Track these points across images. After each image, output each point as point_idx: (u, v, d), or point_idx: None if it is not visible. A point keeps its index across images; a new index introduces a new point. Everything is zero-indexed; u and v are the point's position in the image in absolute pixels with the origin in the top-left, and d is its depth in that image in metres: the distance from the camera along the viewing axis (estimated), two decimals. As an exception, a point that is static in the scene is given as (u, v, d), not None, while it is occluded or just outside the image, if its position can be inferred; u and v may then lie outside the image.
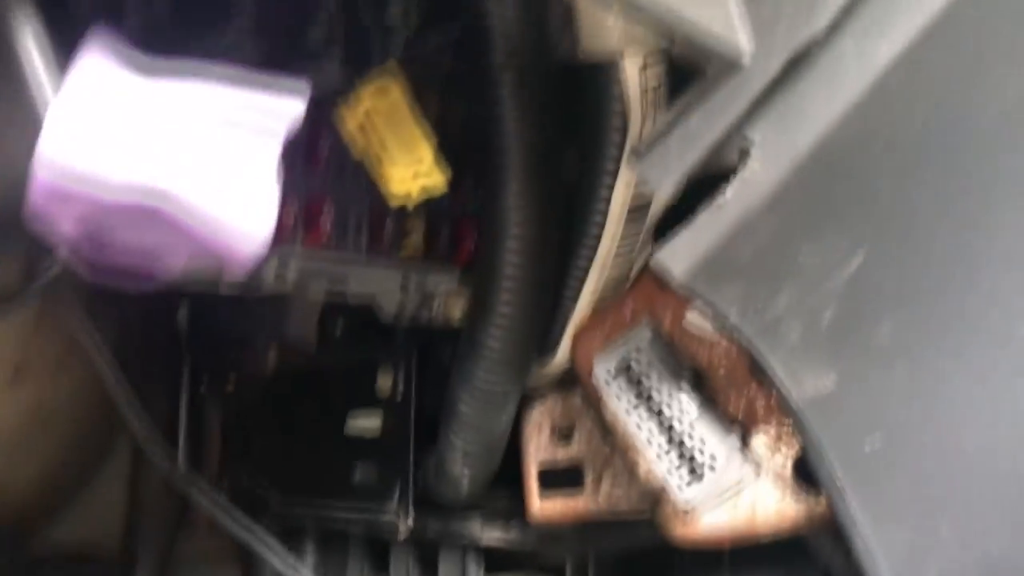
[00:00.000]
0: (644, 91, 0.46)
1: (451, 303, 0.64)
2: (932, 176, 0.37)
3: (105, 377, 0.53)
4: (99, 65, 0.24)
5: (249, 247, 0.26)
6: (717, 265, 0.38)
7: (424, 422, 0.71)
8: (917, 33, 0.33)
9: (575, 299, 0.54)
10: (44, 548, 0.78)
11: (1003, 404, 0.40)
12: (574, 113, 0.50)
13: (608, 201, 0.49)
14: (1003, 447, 0.40)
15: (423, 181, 0.38)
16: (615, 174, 0.49)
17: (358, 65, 0.47)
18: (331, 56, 0.45)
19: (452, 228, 0.57)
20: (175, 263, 0.29)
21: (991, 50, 0.33)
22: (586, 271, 0.52)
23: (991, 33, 0.33)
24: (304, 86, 0.26)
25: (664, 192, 0.36)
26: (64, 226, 0.25)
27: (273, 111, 0.26)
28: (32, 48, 0.24)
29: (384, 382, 0.76)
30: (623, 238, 0.51)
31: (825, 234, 0.38)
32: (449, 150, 0.57)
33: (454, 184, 0.57)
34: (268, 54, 0.44)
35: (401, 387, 0.74)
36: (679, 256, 0.38)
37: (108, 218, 0.25)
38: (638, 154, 0.36)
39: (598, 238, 0.51)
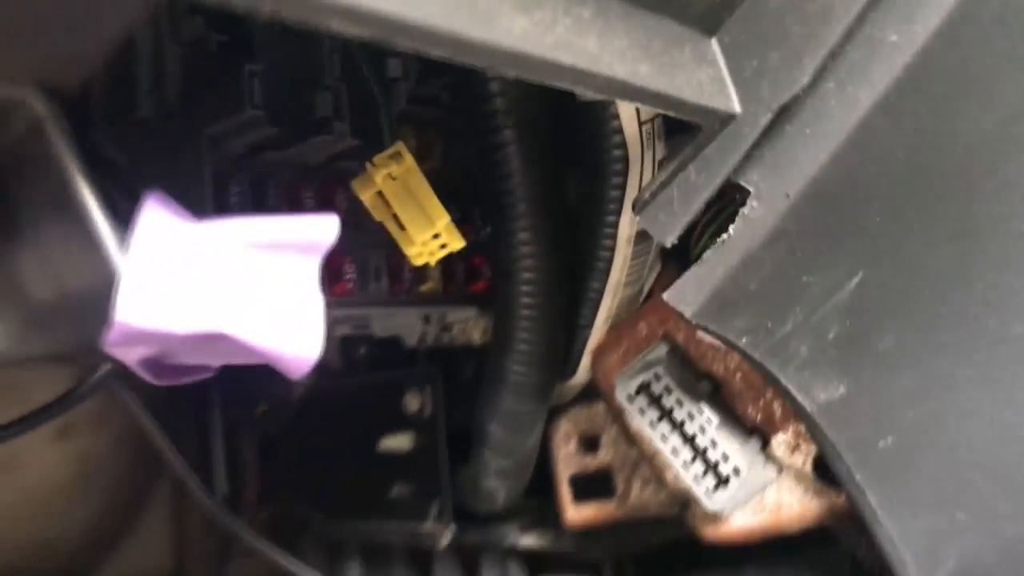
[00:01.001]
0: (641, 123, 0.48)
1: (470, 327, 0.66)
2: (920, 200, 0.39)
3: (146, 430, 0.56)
4: (159, 220, 0.26)
5: (303, 363, 0.28)
6: (725, 299, 0.41)
7: (453, 436, 0.73)
8: (895, 77, 0.35)
9: (591, 322, 0.56)
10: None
11: (1006, 398, 0.42)
12: (575, 136, 0.52)
13: (615, 230, 0.51)
14: (1009, 438, 0.43)
15: (441, 245, 0.41)
16: (620, 202, 0.51)
17: (367, 125, 0.49)
18: (340, 120, 0.47)
19: (467, 262, 0.59)
20: (212, 371, 0.31)
21: (965, 86, 0.35)
22: (599, 296, 0.55)
23: (963, 72, 0.35)
24: (334, 216, 0.29)
25: (669, 243, 0.38)
26: (136, 355, 0.28)
27: (310, 230, 0.28)
28: (93, 206, 0.26)
29: (411, 401, 0.78)
30: (632, 261, 0.54)
31: (824, 260, 0.40)
32: (456, 186, 0.59)
33: (465, 220, 0.60)
34: (281, 127, 0.46)
35: (429, 405, 0.77)
36: (688, 296, 0.40)
37: (176, 348, 0.28)
38: (640, 207, 0.38)
39: (608, 265, 0.53)
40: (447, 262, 0.58)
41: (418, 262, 0.41)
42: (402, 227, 0.40)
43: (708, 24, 0.35)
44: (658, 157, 0.49)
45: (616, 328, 0.58)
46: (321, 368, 0.94)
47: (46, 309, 0.30)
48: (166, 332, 0.26)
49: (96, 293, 0.26)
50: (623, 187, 0.50)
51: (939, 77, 0.35)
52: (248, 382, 0.93)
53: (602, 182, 0.50)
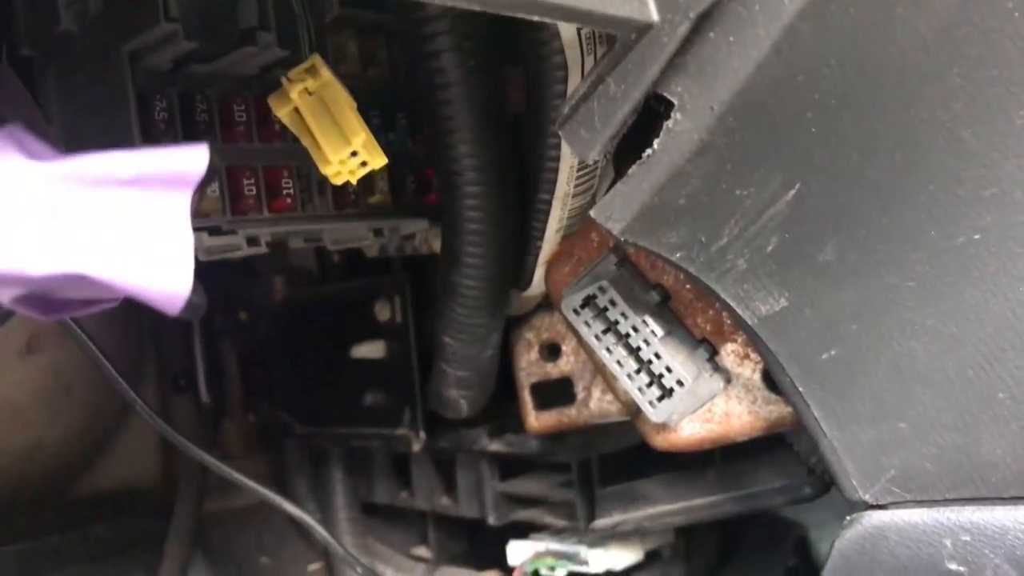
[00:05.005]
0: (580, 27, 0.46)
1: (431, 237, 0.65)
2: (857, 109, 0.37)
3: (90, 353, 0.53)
4: (7, 160, 0.25)
5: (172, 298, 0.28)
6: (654, 215, 0.39)
7: (426, 344, 0.74)
8: (821, -20, 0.33)
9: (542, 234, 0.55)
10: (87, 492, 0.83)
11: (948, 310, 0.41)
12: (515, 41, 0.49)
13: (559, 140, 0.49)
14: (950, 350, 0.42)
15: (361, 163, 0.39)
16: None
17: (294, 35, 0.47)
18: (266, 30, 0.45)
19: (417, 174, 0.58)
20: (116, 298, 0.31)
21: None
22: (548, 207, 0.53)
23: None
24: (204, 145, 0.27)
25: (591, 159, 0.37)
26: (8, 296, 0.27)
27: (177, 162, 0.27)
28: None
29: (382, 310, 0.78)
30: (580, 171, 0.52)
31: (758, 173, 0.39)
32: (405, 92, 0.58)
33: (412, 131, 0.58)
34: (201, 40, 0.44)
35: (399, 313, 0.77)
36: (616, 212, 0.39)
37: (43, 288, 0.27)
38: (561, 122, 0.36)
39: (555, 175, 0.51)
40: (396, 175, 0.57)
41: (337, 181, 0.40)
42: (315, 151, 0.39)
43: (624, -76, 0.33)
44: (601, 62, 0.47)
45: (568, 239, 0.57)
46: (298, 275, 0.93)
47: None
48: (19, 274, 0.25)
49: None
50: (564, 95, 0.48)
51: (868, -22, 0.33)
52: (230, 284, 0.93)
53: (542, 90, 0.48)
